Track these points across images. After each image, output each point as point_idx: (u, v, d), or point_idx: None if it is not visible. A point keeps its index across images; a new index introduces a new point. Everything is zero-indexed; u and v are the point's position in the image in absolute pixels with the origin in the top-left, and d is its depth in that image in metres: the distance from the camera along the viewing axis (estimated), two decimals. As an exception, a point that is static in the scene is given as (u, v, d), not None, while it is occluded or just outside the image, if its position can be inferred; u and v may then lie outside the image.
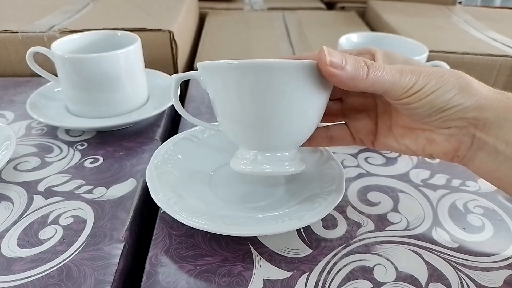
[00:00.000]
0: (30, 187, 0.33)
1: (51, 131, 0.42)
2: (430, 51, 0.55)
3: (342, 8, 0.96)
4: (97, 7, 0.68)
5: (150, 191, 0.29)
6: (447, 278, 0.26)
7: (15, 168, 0.36)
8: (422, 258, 0.28)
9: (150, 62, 0.54)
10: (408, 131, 0.28)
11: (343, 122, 0.31)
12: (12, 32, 0.55)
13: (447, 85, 0.24)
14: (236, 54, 0.65)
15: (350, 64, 0.23)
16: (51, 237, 0.28)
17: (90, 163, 0.37)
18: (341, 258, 0.28)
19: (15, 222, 0.30)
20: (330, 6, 0.99)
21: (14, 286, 0.25)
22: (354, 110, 0.30)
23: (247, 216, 0.29)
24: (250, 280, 0.26)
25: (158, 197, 0.29)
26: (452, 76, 0.24)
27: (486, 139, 0.24)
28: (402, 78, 0.24)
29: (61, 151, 0.39)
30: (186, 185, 0.32)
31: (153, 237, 0.29)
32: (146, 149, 0.39)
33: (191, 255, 0.27)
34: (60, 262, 0.26)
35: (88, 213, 0.31)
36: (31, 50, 0.42)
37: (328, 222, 0.31)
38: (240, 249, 0.28)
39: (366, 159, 0.39)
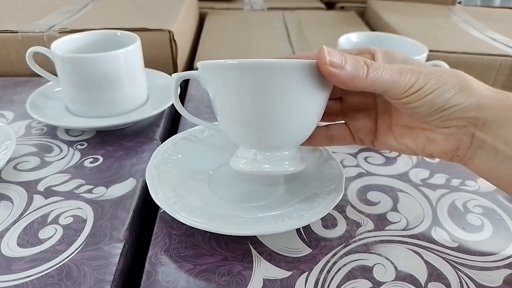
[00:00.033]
0: (30, 187, 0.33)
1: (51, 131, 0.42)
2: (430, 51, 0.55)
3: (342, 8, 0.97)
4: (97, 7, 0.68)
5: (150, 191, 0.30)
6: (447, 278, 0.26)
7: (15, 167, 0.36)
8: (422, 257, 0.28)
9: (150, 62, 0.54)
10: (408, 130, 0.28)
11: (343, 121, 0.31)
12: (12, 32, 0.55)
13: (446, 84, 0.24)
14: (236, 54, 0.65)
15: (349, 63, 0.23)
16: (51, 237, 0.28)
17: (90, 162, 0.37)
18: (341, 257, 0.28)
19: (15, 222, 0.30)
20: (329, 6, 0.99)
21: (14, 285, 0.25)
22: (354, 110, 0.30)
23: (246, 215, 0.29)
24: (250, 279, 0.26)
25: (157, 197, 0.29)
26: (451, 75, 0.24)
27: (485, 138, 0.24)
28: (401, 78, 0.24)
29: (61, 150, 0.39)
30: (186, 184, 0.32)
31: (153, 237, 0.29)
32: (146, 148, 0.39)
33: (190, 255, 0.27)
34: (60, 262, 0.26)
35: (88, 212, 0.31)
36: (31, 50, 0.42)
37: (328, 221, 0.31)
38: (240, 249, 0.28)
39: (365, 158, 0.39)
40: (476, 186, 0.36)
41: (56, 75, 0.42)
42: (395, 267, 0.27)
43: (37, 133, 0.41)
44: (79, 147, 0.39)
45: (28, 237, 0.28)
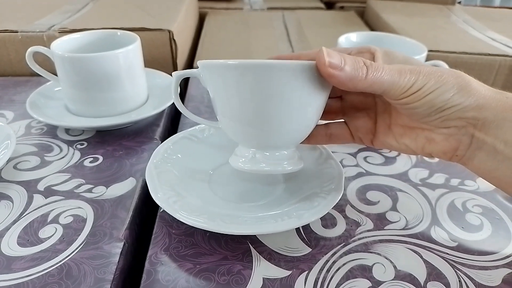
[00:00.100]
0: (30, 186, 0.33)
1: (51, 131, 0.42)
2: (429, 51, 0.55)
3: (342, 8, 0.97)
4: (96, 6, 0.68)
5: (149, 190, 0.30)
6: (446, 277, 0.26)
7: (15, 167, 0.36)
8: (421, 257, 0.28)
9: (150, 62, 0.54)
10: (407, 130, 0.28)
11: (343, 120, 0.31)
12: (12, 31, 0.55)
13: (446, 84, 0.24)
14: (235, 54, 0.65)
15: (349, 64, 0.23)
16: (51, 236, 0.28)
17: (90, 162, 0.37)
18: (340, 256, 0.28)
19: (15, 221, 0.30)
20: (329, 6, 1.00)
21: (14, 284, 0.25)
22: (354, 109, 0.30)
23: (246, 215, 0.29)
24: (250, 278, 0.26)
25: (157, 196, 0.29)
26: (451, 75, 0.24)
27: (485, 138, 0.24)
28: (401, 78, 0.24)
29: (61, 150, 0.39)
30: (186, 184, 0.32)
31: (153, 236, 0.29)
32: (146, 148, 0.39)
33: (190, 254, 0.27)
34: (60, 261, 0.26)
35: (88, 212, 0.31)
36: (31, 49, 0.42)
37: (327, 221, 0.31)
38: (240, 248, 0.28)
39: (365, 158, 0.39)
40: (476, 185, 0.36)
41: (56, 75, 0.42)
42: (395, 267, 0.27)
43: (37, 132, 0.41)
44: (79, 146, 0.39)
45: (28, 236, 0.28)
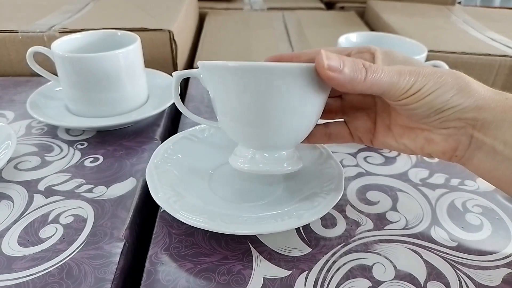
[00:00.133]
0: (30, 186, 0.33)
1: (51, 131, 0.42)
2: (429, 51, 0.56)
3: (342, 8, 0.97)
4: (97, 7, 0.68)
5: (150, 190, 0.30)
6: (446, 277, 0.26)
7: (15, 167, 0.36)
8: (421, 256, 0.28)
9: (150, 62, 0.54)
10: (406, 130, 0.28)
11: (342, 119, 0.31)
12: (12, 31, 0.55)
13: (445, 86, 0.24)
14: (235, 54, 0.65)
15: (348, 67, 0.23)
16: (51, 236, 0.28)
17: (90, 162, 0.37)
18: (340, 256, 0.28)
19: (15, 221, 0.30)
20: (329, 6, 1.00)
21: (15, 284, 0.25)
22: (353, 108, 0.31)
23: (246, 214, 0.29)
24: (250, 278, 0.26)
25: (158, 196, 0.29)
26: (451, 76, 0.24)
27: (484, 139, 0.24)
28: (400, 79, 0.24)
29: (61, 150, 0.39)
30: (186, 184, 0.32)
31: (153, 236, 0.29)
32: (146, 148, 0.39)
33: (191, 254, 0.27)
34: (61, 261, 0.26)
35: (88, 212, 0.31)
36: (31, 49, 0.42)
37: (327, 221, 0.31)
38: (240, 248, 0.28)
39: (365, 158, 0.39)
40: (475, 185, 0.36)
41: (56, 75, 0.43)
42: (395, 266, 0.27)
43: (38, 132, 0.41)
44: (79, 146, 0.39)
45: (29, 236, 0.28)
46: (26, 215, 0.30)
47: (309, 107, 0.27)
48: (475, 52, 0.59)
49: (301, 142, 0.30)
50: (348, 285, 0.26)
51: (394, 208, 0.33)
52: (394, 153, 0.40)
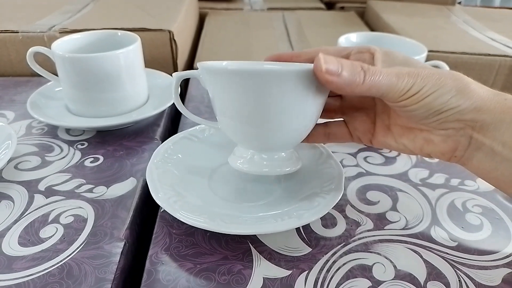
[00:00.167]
0: (30, 186, 0.33)
1: (52, 131, 0.42)
2: (429, 51, 0.56)
3: (342, 8, 0.97)
4: (97, 7, 0.68)
5: (150, 190, 0.30)
6: (446, 277, 0.26)
7: (15, 167, 0.36)
8: (421, 256, 0.28)
9: (150, 62, 0.54)
10: (406, 130, 0.28)
11: (342, 119, 0.31)
12: (12, 32, 0.55)
13: (444, 87, 0.24)
14: (236, 54, 0.65)
15: (346, 70, 0.23)
16: (51, 236, 0.28)
17: (91, 162, 0.37)
18: (340, 256, 0.28)
19: (16, 221, 0.30)
20: (329, 6, 1.00)
21: (15, 284, 0.25)
22: (353, 108, 0.31)
23: (246, 214, 0.29)
24: (250, 278, 0.26)
25: (158, 196, 0.29)
26: (449, 78, 0.24)
27: (483, 140, 0.24)
28: (399, 81, 0.24)
29: (62, 150, 0.39)
30: (186, 184, 0.32)
31: (153, 236, 0.29)
32: (146, 148, 0.39)
33: (191, 254, 0.27)
34: (61, 261, 0.26)
35: (88, 212, 0.31)
36: (32, 49, 0.42)
37: (328, 221, 0.31)
38: (240, 248, 0.28)
39: (365, 158, 0.39)
40: (475, 185, 0.36)
41: (57, 75, 0.43)
42: (395, 266, 0.27)
43: (38, 132, 0.42)
44: (79, 146, 0.39)
45: (29, 236, 0.28)
46: (27, 215, 0.30)
47: (308, 109, 0.27)
48: (475, 52, 0.59)
49: (300, 142, 0.30)
50: (348, 285, 0.26)
51: (394, 208, 0.33)
52: (394, 153, 0.40)
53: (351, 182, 0.36)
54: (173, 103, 0.33)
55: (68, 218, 0.30)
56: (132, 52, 0.41)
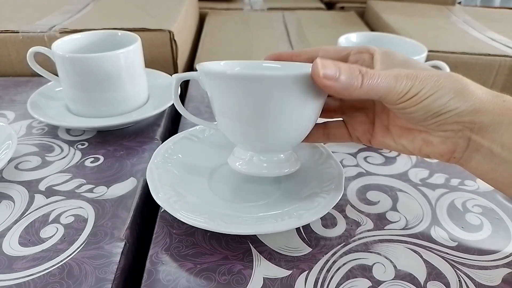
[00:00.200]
0: (31, 186, 0.33)
1: (52, 131, 0.42)
2: (429, 51, 0.56)
3: (342, 8, 0.97)
4: (97, 7, 0.68)
5: (150, 190, 0.30)
6: (446, 277, 0.27)
7: (16, 167, 0.36)
8: (421, 256, 0.28)
9: (150, 62, 0.54)
10: (405, 131, 0.28)
11: (341, 119, 0.31)
12: (12, 32, 0.55)
13: (442, 89, 0.24)
14: (236, 54, 0.65)
15: (344, 74, 0.24)
16: (52, 236, 0.28)
17: (91, 162, 0.37)
18: (340, 256, 0.28)
19: (16, 221, 0.30)
20: (329, 6, 1.00)
21: (15, 284, 0.25)
22: (352, 108, 0.31)
23: (246, 214, 0.29)
24: (250, 278, 0.26)
25: (158, 196, 0.29)
26: (448, 80, 0.24)
27: (481, 142, 0.24)
28: (397, 84, 0.24)
29: (62, 150, 0.39)
30: (186, 184, 0.32)
31: (154, 236, 0.29)
32: (147, 148, 0.39)
33: (191, 254, 0.28)
34: (62, 261, 0.26)
35: (89, 212, 0.31)
36: (32, 50, 0.42)
37: (328, 221, 0.31)
38: (240, 248, 0.28)
39: (365, 158, 0.39)
40: (475, 185, 0.36)
41: (57, 75, 0.43)
42: (395, 266, 0.27)
43: (38, 132, 0.42)
44: (80, 146, 0.39)
45: (30, 236, 0.28)
46: (27, 215, 0.30)
47: (306, 112, 0.27)
48: (475, 52, 0.59)
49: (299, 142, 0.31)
50: (348, 285, 0.26)
51: (394, 208, 0.33)
52: (394, 153, 0.40)
53: (351, 182, 0.36)
54: (173, 103, 0.33)
55: (68, 218, 0.30)
56: (133, 52, 0.41)
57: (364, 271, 0.27)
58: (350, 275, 0.26)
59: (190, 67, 0.67)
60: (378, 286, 0.26)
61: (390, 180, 0.36)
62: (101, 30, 0.46)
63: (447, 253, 0.28)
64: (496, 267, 0.28)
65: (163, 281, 0.25)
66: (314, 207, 0.29)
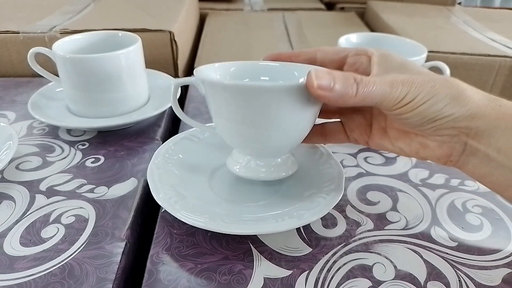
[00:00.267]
0: (32, 187, 0.33)
1: (53, 131, 0.42)
2: (429, 52, 0.56)
3: (342, 8, 0.97)
4: (97, 7, 0.68)
5: (151, 190, 0.30)
6: (446, 277, 0.27)
7: (17, 167, 0.36)
8: (421, 256, 0.28)
9: (151, 62, 0.54)
10: (402, 134, 0.28)
11: (339, 120, 0.32)
12: (13, 32, 0.55)
13: (438, 95, 0.24)
14: (236, 55, 0.65)
15: (338, 83, 0.24)
16: (53, 236, 0.29)
17: (92, 162, 0.37)
18: (341, 256, 0.28)
19: (17, 221, 0.30)
20: (329, 6, 1.00)
21: (16, 284, 0.25)
22: (350, 110, 0.31)
23: (247, 215, 0.29)
24: (251, 278, 0.26)
25: (159, 196, 0.29)
26: (444, 85, 0.24)
27: (478, 146, 0.25)
28: (392, 90, 0.24)
29: (63, 150, 0.39)
30: (187, 184, 0.32)
31: (154, 236, 0.29)
32: (147, 148, 0.39)
33: (192, 254, 0.28)
34: (62, 261, 0.27)
35: (89, 212, 0.31)
36: (33, 50, 0.42)
37: (328, 221, 0.31)
38: (241, 248, 0.28)
39: (365, 158, 0.39)
40: (475, 186, 0.36)
41: (58, 76, 0.43)
42: (395, 266, 0.27)
43: (39, 133, 0.42)
44: (80, 147, 0.39)
45: (31, 236, 0.29)
46: (28, 215, 0.30)
47: (302, 120, 0.28)
48: (475, 53, 0.59)
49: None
50: (349, 285, 0.26)
51: (394, 208, 0.33)
52: (394, 154, 0.40)
53: (352, 182, 0.36)
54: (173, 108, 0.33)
55: (69, 218, 0.30)
56: (133, 52, 0.41)
57: (364, 271, 0.27)
58: (351, 275, 0.26)
59: (190, 67, 0.67)
60: (378, 286, 0.26)
61: (390, 181, 0.36)
62: (101, 30, 0.46)
63: (447, 253, 0.28)
64: (496, 267, 0.28)
65: (164, 281, 0.25)
66: (314, 207, 0.29)
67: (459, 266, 0.27)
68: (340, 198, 0.29)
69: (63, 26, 0.57)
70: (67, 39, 0.43)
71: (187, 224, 0.27)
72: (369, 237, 0.30)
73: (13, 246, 0.28)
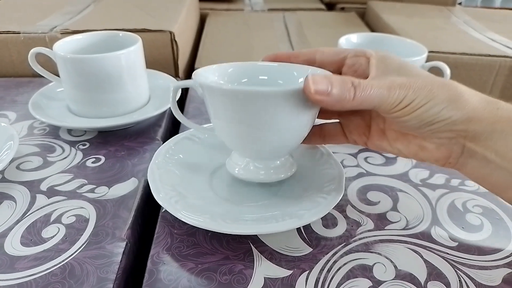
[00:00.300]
0: (32, 186, 0.33)
1: (53, 131, 0.42)
2: (430, 52, 0.56)
3: (342, 9, 0.97)
4: (98, 8, 0.68)
5: (151, 190, 0.30)
6: (446, 277, 0.27)
7: (17, 167, 0.36)
8: (421, 256, 0.28)
9: (151, 63, 0.54)
10: (400, 136, 0.28)
11: (338, 120, 0.32)
12: (14, 32, 0.55)
13: (435, 99, 0.24)
14: (236, 55, 0.65)
15: (336, 88, 0.24)
16: (54, 236, 0.29)
17: (92, 162, 0.37)
18: (341, 256, 0.28)
19: (18, 221, 0.30)
20: (330, 7, 1.00)
21: (17, 284, 0.25)
22: (349, 111, 0.31)
23: (247, 215, 0.29)
24: (251, 278, 0.26)
25: (159, 196, 0.29)
26: (442, 89, 0.24)
27: (475, 149, 0.25)
28: (390, 94, 0.24)
29: (63, 150, 0.39)
30: (187, 184, 0.32)
31: (155, 236, 0.29)
32: (148, 148, 0.39)
33: (192, 254, 0.28)
34: (63, 260, 0.27)
35: (90, 212, 0.31)
36: (33, 50, 0.42)
37: (328, 221, 0.31)
38: (241, 248, 0.28)
39: (365, 158, 0.39)
40: (476, 186, 0.36)
41: (58, 76, 0.43)
42: (395, 266, 0.27)
43: (40, 133, 0.42)
44: (81, 147, 0.39)
45: (32, 236, 0.29)
46: (29, 215, 0.30)
47: (300, 123, 0.28)
48: (475, 53, 0.59)
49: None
50: (349, 285, 0.26)
51: (394, 208, 0.33)
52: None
53: (352, 182, 0.36)
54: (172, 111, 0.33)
55: (70, 218, 0.30)
56: (134, 53, 0.42)
57: (365, 271, 0.27)
58: (351, 275, 0.26)
59: (191, 67, 0.67)
60: (379, 286, 0.26)
61: (391, 181, 0.36)
62: (102, 31, 0.46)
63: (448, 253, 0.29)
64: (497, 267, 0.28)
65: (164, 281, 0.25)
66: (314, 207, 0.29)
67: (460, 266, 0.27)
68: (340, 198, 0.29)
69: (63, 27, 0.57)
70: (68, 39, 0.43)
71: (188, 224, 0.27)
72: (369, 237, 0.30)
73: (13, 246, 0.28)
